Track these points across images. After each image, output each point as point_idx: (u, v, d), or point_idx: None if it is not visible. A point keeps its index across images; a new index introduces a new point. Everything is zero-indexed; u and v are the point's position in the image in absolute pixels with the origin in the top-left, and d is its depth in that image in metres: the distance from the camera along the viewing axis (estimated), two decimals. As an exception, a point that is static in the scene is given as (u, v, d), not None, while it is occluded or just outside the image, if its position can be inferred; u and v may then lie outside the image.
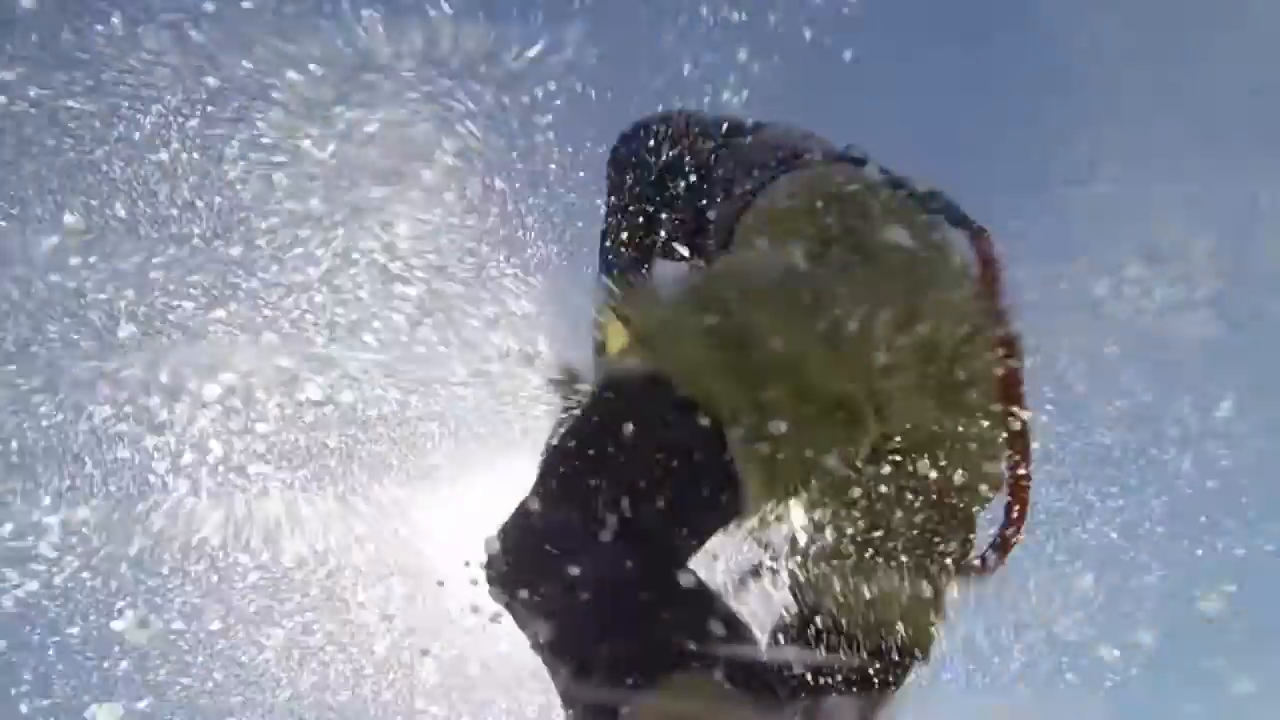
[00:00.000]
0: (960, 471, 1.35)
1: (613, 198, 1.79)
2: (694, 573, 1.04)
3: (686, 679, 0.91)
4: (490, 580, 1.07)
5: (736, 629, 0.99)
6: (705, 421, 1.07)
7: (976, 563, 1.43)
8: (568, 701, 0.98)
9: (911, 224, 1.30)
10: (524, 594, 1.02)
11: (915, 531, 1.35)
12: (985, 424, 1.34)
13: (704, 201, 1.59)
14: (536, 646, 1.02)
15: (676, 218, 1.66)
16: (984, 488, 1.39)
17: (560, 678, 0.99)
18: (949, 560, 1.38)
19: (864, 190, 1.34)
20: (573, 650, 0.98)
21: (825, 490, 1.31)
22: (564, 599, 0.99)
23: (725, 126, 1.71)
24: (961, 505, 1.38)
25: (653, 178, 1.70)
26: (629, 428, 1.06)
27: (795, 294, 1.18)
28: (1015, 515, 1.39)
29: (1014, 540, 1.42)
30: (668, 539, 1.06)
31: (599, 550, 1.00)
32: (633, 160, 1.76)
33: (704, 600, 1.02)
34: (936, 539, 1.37)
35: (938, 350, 1.26)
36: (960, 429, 1.33)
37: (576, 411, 1.18)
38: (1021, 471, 1.38)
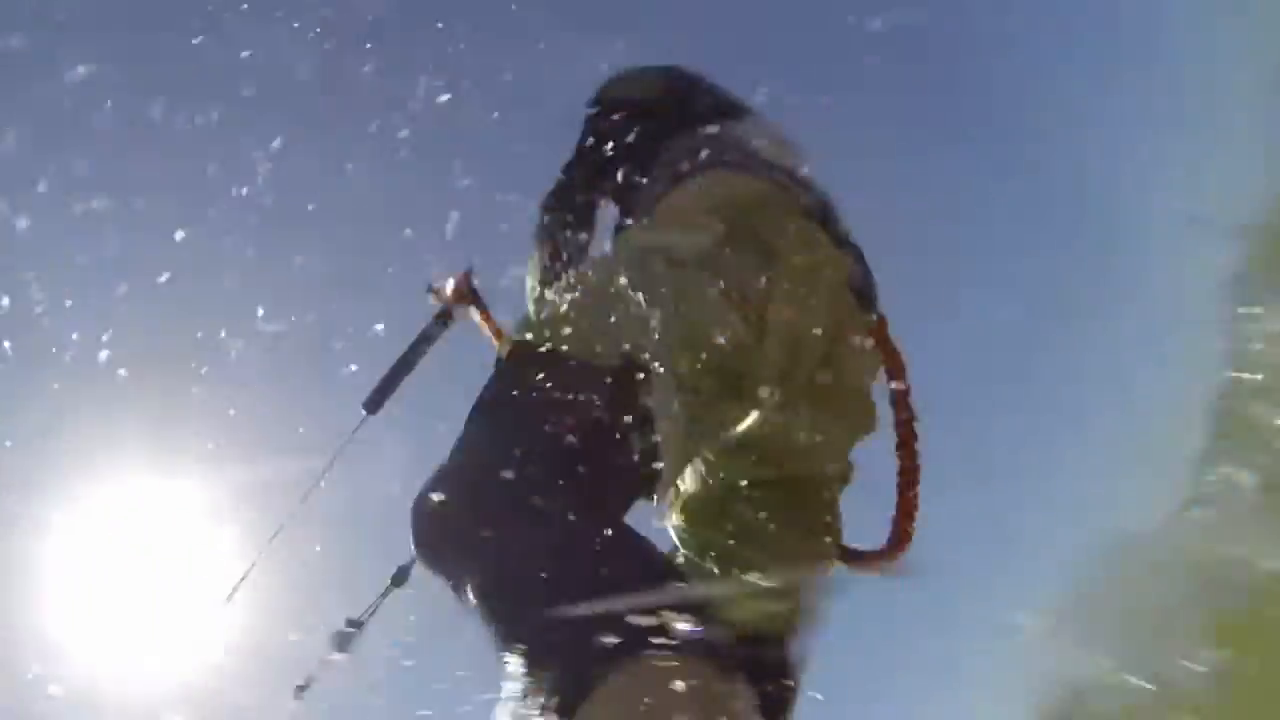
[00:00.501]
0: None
1: (587, 138, 1.87)
2: (639, 535, 1.04)
3: (652, 661, 0.85)
4: (420, 542, 1.08)
5: (694, 598, 0.94)
6: (623, 387, 1.13)
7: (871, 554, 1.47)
8: (528, 676, 0.91)
9: (805, 238, 1.40)
10: (457, 559, 1.02)
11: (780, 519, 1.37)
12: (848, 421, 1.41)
13: (646, 169, 1.67)
14: (479, 619, 0.98)
15: (623, 173, 1.75)
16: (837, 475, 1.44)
17: (509, 659, 0.93)
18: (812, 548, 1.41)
19: (768, 202, 1.44)
20: (521, 627, 0.93)
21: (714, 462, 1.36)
22: (502, 564, 0.97)
23: (704, 102, 1.81)
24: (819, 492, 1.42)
25: (619, 130, 1.79)
26: (553, 392, 1.11)
27: (707, 275, 1.27)
28: (904, 511, 1.44)
29: (907, 531, 1.45)
30: (601, 498, 1.07)
31: (534, 509, 1.00)
32: (616, 104, 1.86)
33: (657, 566, 1.00)
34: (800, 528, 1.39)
35: (813, 348, 1.32)
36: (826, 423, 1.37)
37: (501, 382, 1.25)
38: (909, 468, 1.44)
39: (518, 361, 1.27)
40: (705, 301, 1.25)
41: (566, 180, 1.87)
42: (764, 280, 1.29)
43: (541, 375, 1.19)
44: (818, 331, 1.31)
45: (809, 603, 1.39)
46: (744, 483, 1.37)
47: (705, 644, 0.87)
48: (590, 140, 1.86)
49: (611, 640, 0.85)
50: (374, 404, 2.56)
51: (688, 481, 1.36)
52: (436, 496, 1.10)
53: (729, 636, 0.93)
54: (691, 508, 1.38)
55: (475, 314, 2.25)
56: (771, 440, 1.31)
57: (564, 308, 1.30)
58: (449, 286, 2.29)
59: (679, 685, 0.82)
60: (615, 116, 1.84)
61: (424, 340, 2.38)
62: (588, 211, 1.83)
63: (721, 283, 1.27)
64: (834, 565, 1.44)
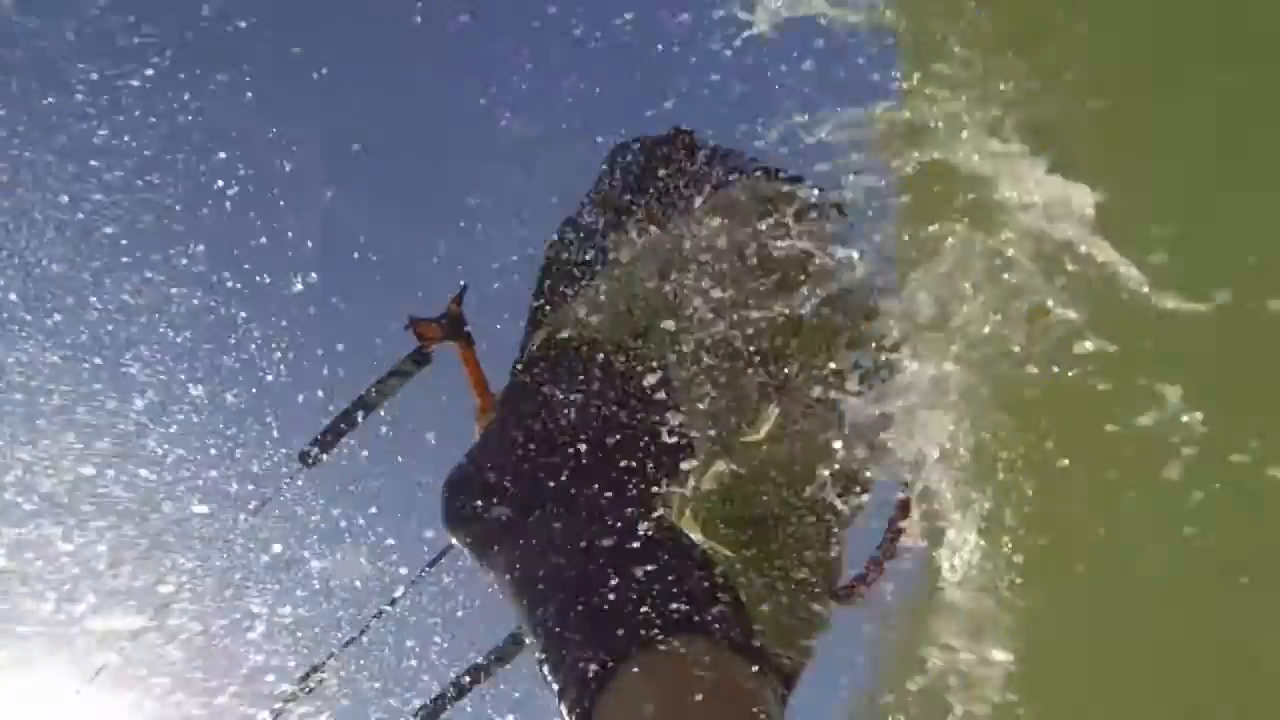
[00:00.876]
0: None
1: (600, 188, 1.82)
2: (671, 524, 1.04)
3: (682, 643, 0.84)
4: (450, 526, 1.10)
5: (722, 586, 0.95)
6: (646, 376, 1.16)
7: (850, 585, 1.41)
8: (549, 662, 0.90)
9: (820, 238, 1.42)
10: (484, 544, 1.04)
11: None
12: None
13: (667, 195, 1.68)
14: (512, 601, 0.99)
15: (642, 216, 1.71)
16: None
17: (539, 640, 0.92)
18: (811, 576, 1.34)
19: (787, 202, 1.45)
20: (546, 614, 0.93)
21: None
22: (527, 551, 0.99)
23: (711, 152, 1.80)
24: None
25: (637, 177, 1.78)
26: (582, 379, 1.16)
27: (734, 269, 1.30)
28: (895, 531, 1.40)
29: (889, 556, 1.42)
30: (630, 486, 1.08)
31: (560, 497, 1.02)
32: (629, 161, 1.83)
33: (687, 555, 0.99)
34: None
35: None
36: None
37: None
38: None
39: (546, 351, 1.27)
40: (735, 290, 1.26)
41: (584, 213, 1.77)
42: (788, 273, 1.32)
43: (570, 363, 1.21)
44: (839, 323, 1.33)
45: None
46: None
47: (727, 631, 0.86)
48: (612, 175, 1.82)
49: (634, 627, 0.85)
50: (310, 457, 2.14)
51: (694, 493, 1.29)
52: (466, 481, 1.11)
53: (751, 625, 0.91)
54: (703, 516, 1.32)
55: (459, 351, 1.86)
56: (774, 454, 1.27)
57: (592, 300, 1.30)
58: (435, 320, 1.91)
59: (701, 672, 0.81)
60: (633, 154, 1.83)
61: (390, 380, 1.99)
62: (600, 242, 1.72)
63: (747, 276, 1.30)
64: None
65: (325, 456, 2.09)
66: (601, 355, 1.20)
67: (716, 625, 0.86)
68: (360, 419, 2.04)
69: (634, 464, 1.10)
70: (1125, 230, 1.31)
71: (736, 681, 0.82)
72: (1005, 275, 1.38)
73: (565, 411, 1.13)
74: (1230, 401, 1.37)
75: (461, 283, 1.93)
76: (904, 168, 1.46)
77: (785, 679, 1.26)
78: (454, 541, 1.10)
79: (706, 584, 0.93)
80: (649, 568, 0.91)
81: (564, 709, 0.86)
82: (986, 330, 1.40)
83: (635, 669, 0.81)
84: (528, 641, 0.94)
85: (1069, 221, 1.34)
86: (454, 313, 1.91)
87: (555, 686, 0.88)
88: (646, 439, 1.13)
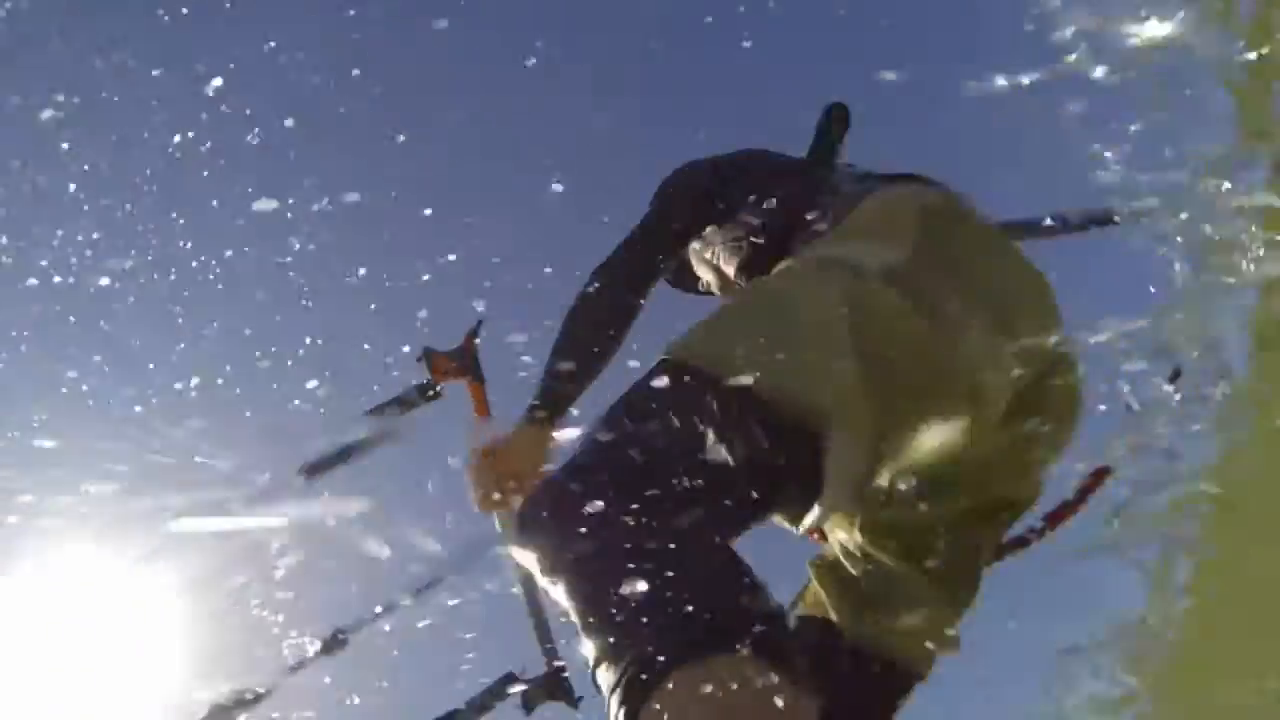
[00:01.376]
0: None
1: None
2: (732, 548, 1.05)
3: (727, 659, 0.87)
4: (524, 525, 1.09)
5: (773, 609, 0.97)
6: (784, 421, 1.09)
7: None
8: (605, 661, 0.93)
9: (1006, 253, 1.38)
10: (557, 543, 1.04)
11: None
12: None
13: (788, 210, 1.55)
14: (570, 604, 1.01)
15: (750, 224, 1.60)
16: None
17: (595, 639, 0.96)
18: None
19: (954, 209, 1.39)
20: (612, 615, 0.95)
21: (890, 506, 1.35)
22: (602, 556, 0.99)
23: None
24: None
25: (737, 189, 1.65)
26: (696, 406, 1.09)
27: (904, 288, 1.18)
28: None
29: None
30: (719, 512, 1.07)
31: (646, 514, 1.00)
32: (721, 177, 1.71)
33: (741, 575, 1.00)
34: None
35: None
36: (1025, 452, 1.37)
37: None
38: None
39: (665, 372, 1.17)
40: (900, 316, 1.16)
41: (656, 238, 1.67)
42: (963, 296, 1.21)
43: (685, 390, 1.13)
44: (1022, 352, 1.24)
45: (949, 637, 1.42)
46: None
47: (776, 649, 0.88)
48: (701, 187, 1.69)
49: (685, 638, 0.88)
50: (314, 470, 2.15)
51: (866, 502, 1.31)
52: (554, 488, 1.10)
53: (807, 644, 1.04)
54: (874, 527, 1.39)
55: (469, 389, 1.87)
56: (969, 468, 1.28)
57: (729, 322, 1.23)
58: (449, 354, 1.92)
59: (743, 687, 0.84)
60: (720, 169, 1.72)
61: (392, 406, 2.00)
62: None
63: (916, 298, 1.17)
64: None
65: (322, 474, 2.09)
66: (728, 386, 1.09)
67: (771, 644, 0.87)
68: (359, 455, 2.02)
69: (723, 494, 1.07)
70: None
71: (775, 704, 0.84)
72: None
73: (666, 438, 1.08)
74: None
75: (478, 319, 1.94)
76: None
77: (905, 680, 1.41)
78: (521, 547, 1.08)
79: (769, 604, 0.95)
80: (701, 584, 0.93)
81: (612, 708, 0.90)
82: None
83: (680, 678, 0.84)
84: (585, 641, 0.96)
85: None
86: (469, 349, 1.92)
87: (607, 685, 0.91)
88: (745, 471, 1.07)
